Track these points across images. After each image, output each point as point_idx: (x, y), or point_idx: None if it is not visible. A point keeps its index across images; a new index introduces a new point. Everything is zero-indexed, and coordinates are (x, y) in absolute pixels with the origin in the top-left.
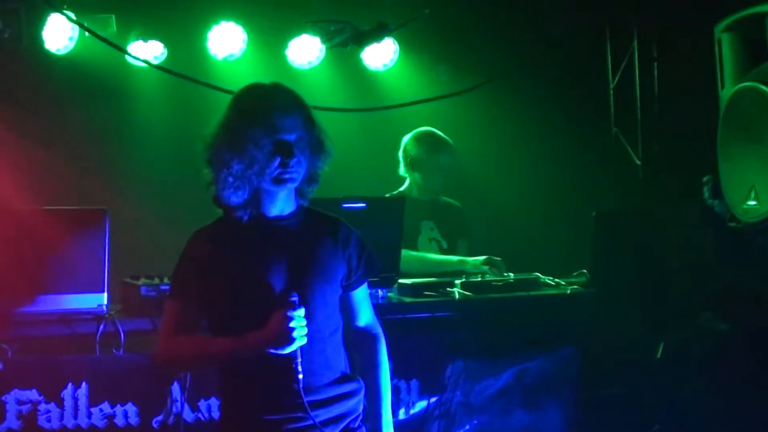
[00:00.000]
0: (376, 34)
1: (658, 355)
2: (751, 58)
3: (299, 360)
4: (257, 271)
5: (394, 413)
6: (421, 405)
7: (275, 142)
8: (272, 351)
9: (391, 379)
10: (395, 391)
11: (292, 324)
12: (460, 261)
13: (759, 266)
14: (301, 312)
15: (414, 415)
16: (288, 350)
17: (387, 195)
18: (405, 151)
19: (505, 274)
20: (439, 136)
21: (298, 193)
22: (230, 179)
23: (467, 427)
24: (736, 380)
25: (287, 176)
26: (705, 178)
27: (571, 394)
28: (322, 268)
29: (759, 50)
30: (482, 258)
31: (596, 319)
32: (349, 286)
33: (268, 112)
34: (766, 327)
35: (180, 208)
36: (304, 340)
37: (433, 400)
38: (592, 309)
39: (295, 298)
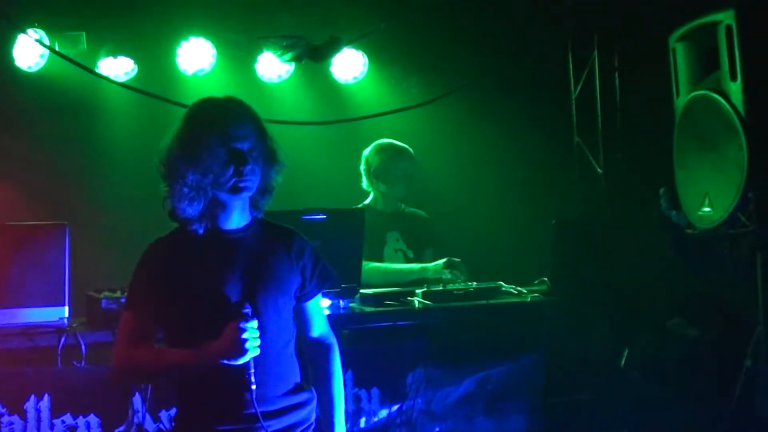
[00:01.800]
0: (329, 48)
1: (623, 363)
2: (705, 67)
3: (252, 371)
4: (211, 282)
5: (356, 422)
6: (383, 413)
7: (229, 151)
8: (226, 362)
9: (352, 388)
10: (356, 399)
11: (245, 335)
12: (421, 268)
13: (720, 273)
14: (254, 323)
15: (375, 423)
16: (241, 361)
17: (358, 206)
18: (366, 162)
19: (468, 282)
20: (397, 144)
21: (253, 204)
22: (185, 190)
23: None
24: (705, 387)
25: (242, 185)
26: (661, 190)
27: (534, 401)
28: (275, 280)
29: (712, 59)
30: (442, 262)
31: (557, 326)
32: (302, 297)
33: (221, 121)
34: (733, 333)
35: (149, 222)
36: (257, 351)
37: (394, 408)
38: (552, 316)
39: (248, 310)
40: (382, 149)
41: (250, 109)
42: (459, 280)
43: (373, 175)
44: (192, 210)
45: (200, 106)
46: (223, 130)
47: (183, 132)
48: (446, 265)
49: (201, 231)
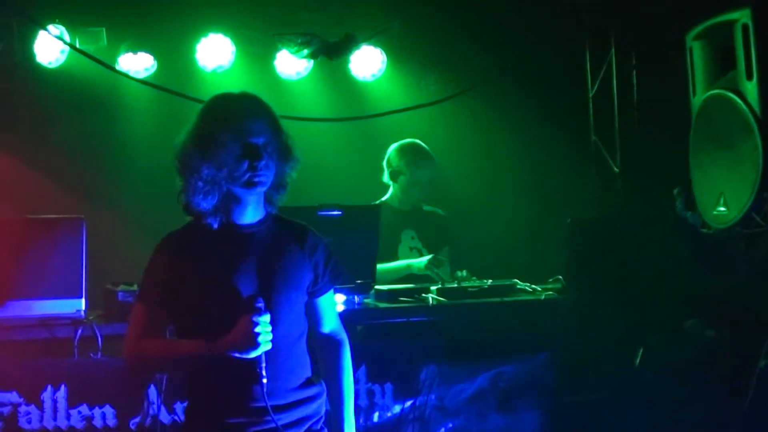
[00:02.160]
0: (344, 45)
1: (637, 362)
2: (721, 66)
3: (264, 364)
4: (224, 276)
5: (369, 417)
6: (396, 409)
7: (243, 145)
8: (237, 355)
9: (366, 383)
10: (370, 394)
11: (257, 329)
12: (407, 266)
13: (736, 273)
14: (267, 318)
15: (389, 418)
16: (253, 355)
17: (375, 203)
18: (388, 161)
19: (483, 280)
20: (421, 149)
21: (267, 200)
22: (200, 184)
23: (442, 430)
24: (720, 387)
25: (256, 179)
26: (676, 190)
27: (546, 399)
28: (288, 275)
29: (728, 58)
30: (425, 260)
31: (571, 324)
32: (314, 293)
33: (236, 116)
34: (749, 333)
35: (167, 217)
36: (269, 345)
37: (407, 403)
38: (566, 315)
39: (261, 304)
40: (404, 151)
41: (265, 104)
42: (441, 278)
43: (391, 174)
44: (206, 204)
45: (215, 102)
46: (238, 125)
47: (198, 127)
48: (430, 263)
49: (216, 225)
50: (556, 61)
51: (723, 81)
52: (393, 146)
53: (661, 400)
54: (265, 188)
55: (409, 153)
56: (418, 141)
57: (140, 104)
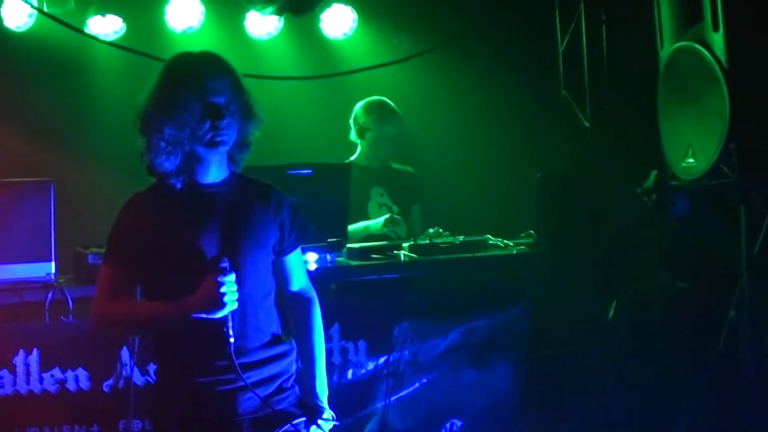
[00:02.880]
0: (310, 1)
1: (611, 315)
2: (688, 17)
3: (230, 324)
4: (189, 237)
5: (343, 374)
6: (370, 365)
7: (204, 105)
8: (204, 315)
9: (339, 341)
10: (343, 352)
11: (222, 289)
12: (365, 228)
13: (706, 225)
14: (232, 277)
15: (363, 375)
16: (219, 315)
17: (342, 162)
18: (355, 119)
19: (455, 236)
20: (387, 106)
21: (231, 159)
22: (162, 144)
23: (416, 385)
24: (692, 338)
25: (218, 139)
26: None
27: (519, 353)
28: (253, 234)
29: (696, 10)
30: (382, 220)
31: (543, 278)
32: (281, 251)
33: (197, 76)
34: (721, 285)
35: (137, 179)
36: (235, 305)
37: (381, 360)
38: (538, 269)
39: (225, 264)
40: (370, 109)
41: (226, 63)
42: (399, 236)
43: (359, 132)
44: (169, 164)
45: (176, 61)
46: (199, 85)
47: (158, 87)
48: (387, 221)
49: (179, 185)
50: (526, 17)
51: (690, 33)
52: (359, 104)
53: (633, 351)
54: (227, 147)
55: (376, 110)
56: (384, 98)
57: (110, 67)
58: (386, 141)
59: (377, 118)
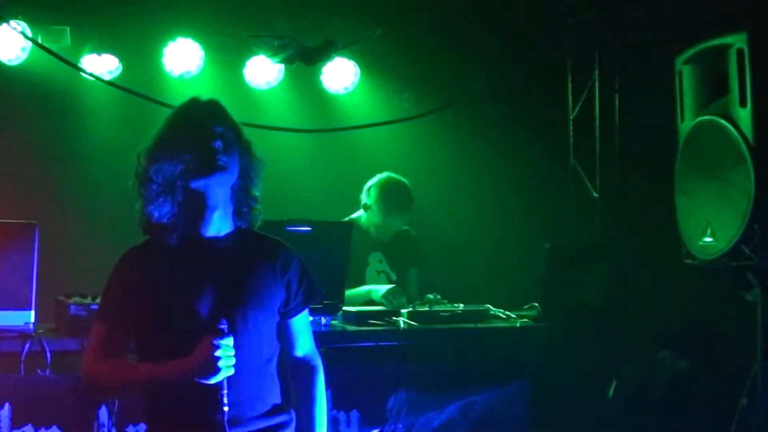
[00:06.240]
0: (323, 51)
1: (611, 394)
2: (712, 91)
3: (225, 391)
4: (186, 295)
5: None
6: None
7: (198, 132)
8: (198, 380)
9: (331, 410)
10: (335, 422)
11: (218, 353)
12: (368, 292)
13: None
14: (230, 341)
15: None
16: (213, 380)
17: (345, 219)
18: (367, 191)
19: (455, 304)
20: (401, 196)
21: (237, 213)
22: (153, 187)
23: None
24: (695, 419)
25: (216, 163)
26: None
27: (519, 430)
28: (256, 294)
29: (720, 84)
30: (386, 290)
31: (546, 354)
32: (287, 314)
33: (195, 115)
34: (725, 364)
35: (126, 226)
36: (231, 371)
37: None
38: (542, 344)
39: (223, 326)
40: (382, 193)
41: (227, 112)
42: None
43: (364, 206)
44: (160, 213)
45: (178, 107)
46: (194, 118)
47: (157, 134)
48: (388, 293)
49: (174, 239)
50: (536, 82)
51: (714, 107)
52: (377, 179)
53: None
54: (227, 175)
55: (387, 197)
56: (403, 181)
57: (102, 107)
58: (390, 230)
59: (386, 208)
